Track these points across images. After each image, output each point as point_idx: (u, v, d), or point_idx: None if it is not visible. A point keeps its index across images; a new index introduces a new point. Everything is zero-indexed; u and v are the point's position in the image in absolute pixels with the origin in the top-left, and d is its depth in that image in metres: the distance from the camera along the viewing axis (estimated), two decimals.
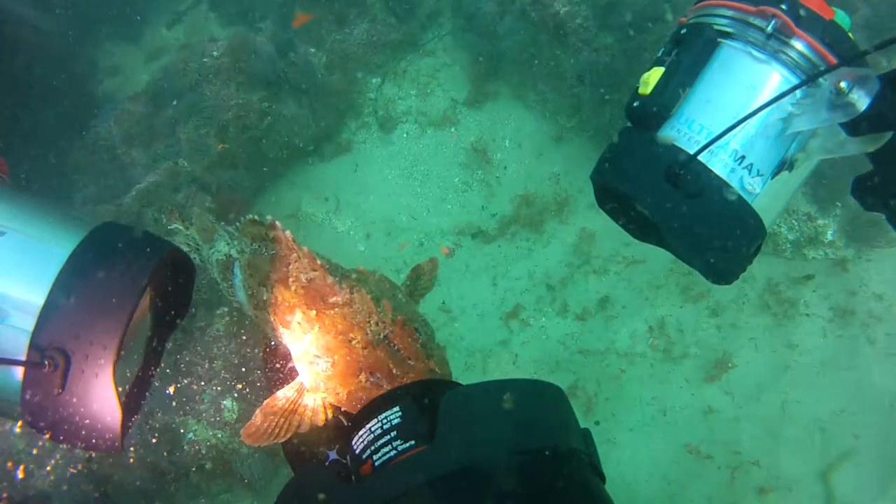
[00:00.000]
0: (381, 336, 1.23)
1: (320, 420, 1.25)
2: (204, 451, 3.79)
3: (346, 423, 1.26)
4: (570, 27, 4.34)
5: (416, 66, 5.29)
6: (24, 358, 0.95)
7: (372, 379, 1.21)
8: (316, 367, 1.23)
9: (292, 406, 1.26)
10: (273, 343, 1.38)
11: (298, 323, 1.24)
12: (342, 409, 1.25)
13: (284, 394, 1.26)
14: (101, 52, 5.95)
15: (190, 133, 4.61)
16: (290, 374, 1.34)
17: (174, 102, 4.78)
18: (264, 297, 1.28)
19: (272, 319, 1.28)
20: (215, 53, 4.72)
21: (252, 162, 4.72)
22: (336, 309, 1.23)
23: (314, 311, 1.23)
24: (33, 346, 0.95)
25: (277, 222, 1.27)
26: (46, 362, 0.95)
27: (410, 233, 4.69)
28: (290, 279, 1.24)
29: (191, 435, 3.82)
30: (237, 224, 1.38)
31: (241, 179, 4.67)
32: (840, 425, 3.86)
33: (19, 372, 0.96)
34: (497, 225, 4.69)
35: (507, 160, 4.86)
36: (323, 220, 4.79)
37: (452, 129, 4.98)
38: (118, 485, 3.66)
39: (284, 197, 4.88)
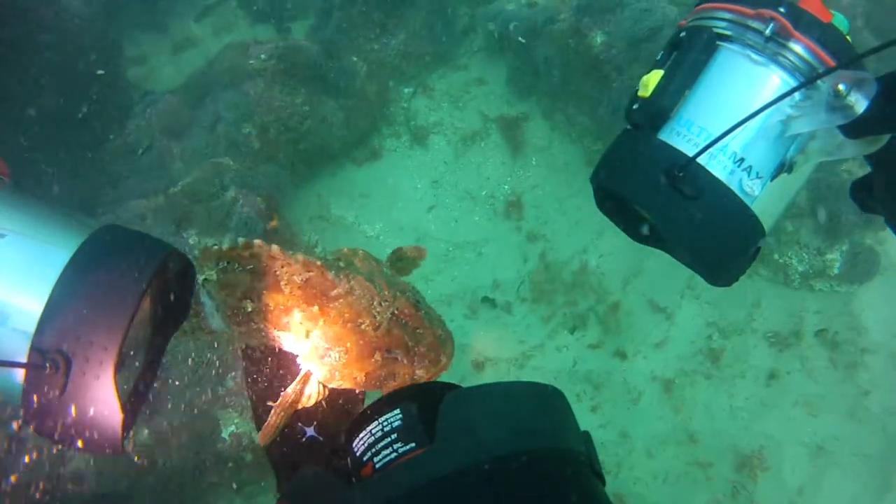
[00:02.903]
0: (388, 314, 1.25)
1: (319, 397, 1.30)
2: (245, 443, 3.87)
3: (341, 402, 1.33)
4: (604, 57, 4.39)
5: (449, 80, 5.38)
6: (24, 360, 0.96)
7: (388, 356, 1.25)
8: (329, 359, 1.25)
9: (299, 397, 1.29)
10: (251, 351, 1.40)
11: (300, 322, 1.25)
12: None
13: (293, 388, 1.29)
14: (127, 41, 5.91)
15: (232, 131, 4.61)
16: (276, 377, 1.37)
17: (216, 100, 4.76)
18: (249, 309, 1.27)
19: (263, 327, 1.28)
20: (263, 56, 4.74)
21: (289, 162, 4.76)
22: (339, 300, 1.24)
23: (316, 307, 1.24)
24: (34, 348, 0.96)
25: (256, 240, 1.27)
26: (47, 364, 0.95)
27: (438, 242, 4.74)
28: (283, 283, 1.24)
29: (232, 427, 3.91)
30: (196, 252, 1.35)
31: (281, 179, 4.69)
32: (838, 446, 4.14)
33: (20, 374, 0.96)
34: (524, 239, 4.68)
35: (535, 177, 4.92)
36: (352, 224, 4.86)
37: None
38: (153, 467, 3.69)
39: (316, 198, 4.94)
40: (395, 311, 1.27)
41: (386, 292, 1.28)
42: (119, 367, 0.99)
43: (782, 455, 4.13)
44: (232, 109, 4.70)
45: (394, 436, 1.02)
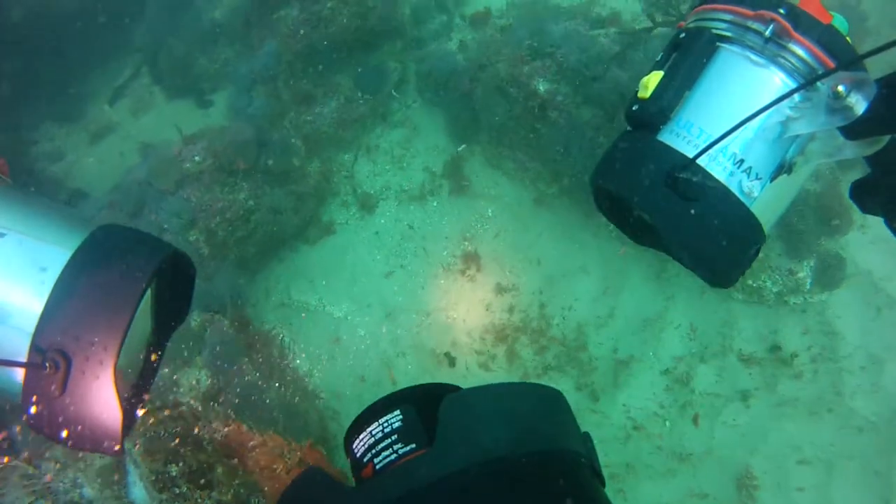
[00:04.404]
0: (298, 458, 1.49)
1: None
2: None
3: None
4: (550, 104, 4.30)
5: (388, 139, 5.12)
6: (24, 359, 0.95)
7: None
8: None
9: None
10: None
11: (223, 475, 1.39)
12: None
13: None
14: (41, 135, 5.50)
15: (178, 241, 4.31)
16: None
17: (156, 210, 4.52)
18: (173, 473, 1.37)
19: (186, 490, 1.37)
20: (198, 158, 4.51)
21: (241, 260, 4.53)
22: (256, 450, 1.44)
23: (236, 459, 1.40)
24: (34, 347, 0.95)
25: (183, 401, 1.47)
26: (47, 364, 0.95)
27: (408, 313, 4.53)
28: (205, 442, 1.40)
29: None
30: None
31: (238, 280, 4.49)
32: (834, 453, 4.19)
33: (20, 374, 0.96)
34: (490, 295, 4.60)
35: (493, 228, 4.76)
36: (316, 307, 4.62)
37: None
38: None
39: (273, 287, 4.70)
40: (301, 456, 1.49)
41: (293, 442, 1.50)
42: (119, 367, 0.98)
43: (787, 469, 4.14)
44: (174, 218, 4.44)
45: (394, 437, 1.01)
